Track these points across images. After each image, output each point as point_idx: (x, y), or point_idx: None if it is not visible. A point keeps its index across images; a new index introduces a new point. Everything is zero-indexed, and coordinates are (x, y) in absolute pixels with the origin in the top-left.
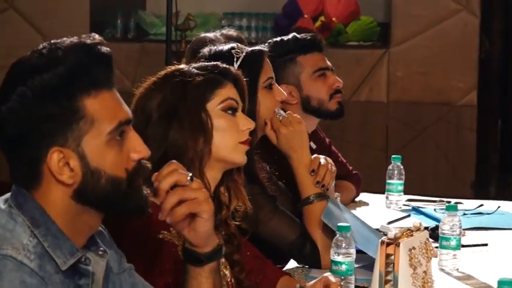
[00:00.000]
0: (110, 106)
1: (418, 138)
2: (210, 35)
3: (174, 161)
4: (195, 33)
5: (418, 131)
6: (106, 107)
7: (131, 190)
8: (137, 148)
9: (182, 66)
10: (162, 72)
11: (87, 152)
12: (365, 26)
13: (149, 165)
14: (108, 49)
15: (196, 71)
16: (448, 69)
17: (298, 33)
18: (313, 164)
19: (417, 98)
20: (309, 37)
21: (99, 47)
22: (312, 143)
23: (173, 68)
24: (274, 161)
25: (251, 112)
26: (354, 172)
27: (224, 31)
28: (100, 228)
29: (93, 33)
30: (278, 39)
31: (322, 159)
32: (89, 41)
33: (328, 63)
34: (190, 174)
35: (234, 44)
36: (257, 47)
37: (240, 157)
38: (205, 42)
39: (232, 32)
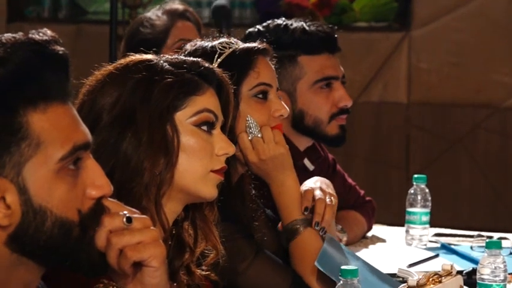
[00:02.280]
0: (63, 125)
1: (449, 152)
2: (149, 13)
3: (108, 199)
4: (141, 11)
5: (449, 143)
6: (58, 125)
7: (85, 239)
8: (96, 182)
9: (151, 57)
10: (123, 62)
11: (30, 184)
12: (378, 1)
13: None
14: (63, 49)
15: (168, 66)
16: (488, 59)
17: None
18: (305, 200)
19: (447, 98)
20: (321, 32)
21: (52, 46)
22: (307, 162)
23: (138, 58)
24: (262, 184)
25: (231, 130)
26: (366, 199)
27: (168, 5)
28: (39, 286)
29: (45, 29)
30: (279, 23)
31: (318, 190)
32: (38, 38)
33: (340, 70)
34: (126, 213)
35: (226, 39)
36: (253, 43)
37: (209, 190)
38: (142, 24)
39: (176, 6)
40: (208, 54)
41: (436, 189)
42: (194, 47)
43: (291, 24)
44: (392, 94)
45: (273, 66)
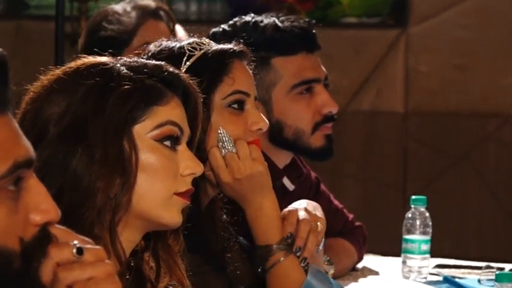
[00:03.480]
0: (1, 138)
1: (453, 169)
2: (117, 6)
3: (55, 225)
4: (101, 4)
5: (453, 158)
6: None
7: (28, 272)
8: (41, 206)
9: (106, 60)
10: (73, 65)
11: None
12: None
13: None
14: (0, 50)
15: (126, 71)
16: (497, 60)
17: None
18: (288, 223)
19: (451, 106)
20: (296, 28)
21: None
22: (286, 182)
23: (91, 60)
24: (235, 208)
25: (199, 144)
26: (355, 224)
27: (139, 0)
28: None
29: None
30: (248, 20)
31: (302, 211)
32: None
33: (321, 71)
34: (77, 243)
35: (197, 39)
36: (228, 45)
37: (172, 216)
38: (106, 17)
39: (149, 2)
40: (175, 56)
41: (437, 213)
42: (159, 48)
43: (261, 21)
44: (387, 102)
45: (250, 72)
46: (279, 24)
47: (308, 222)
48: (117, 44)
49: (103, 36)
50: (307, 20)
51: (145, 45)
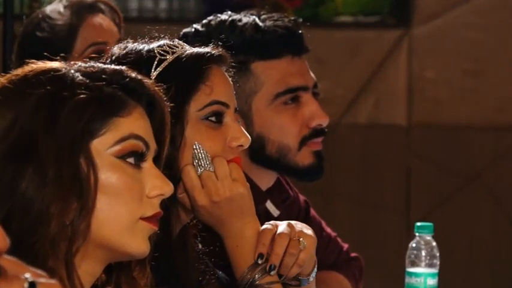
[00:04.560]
0: None
1: (464, 191)
2: (48, 8)
3: (4, 256)
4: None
5: (464, 179)
6: None
7: None
8: None
9: (58, 65)
10: (20, 73)
11: None
12: None
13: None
14: None
15: (81, 78)
16: None
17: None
18: (260, 244)
19: (461, 118)
20: (279, 27)
21: None
22: (270, 206)
23: (41, 66)
24: (212, 236)
25: (170, 162)
26: (351, 255)
27: None
28: None
29: None
30: (224, 19)
31: (282, 226)
32: None
33: (309, 77)
34: (29, 277)
35: (168, 41)
36: (204, 48)
37: (138, 245)
38: (38, 25)
39: None
40: (143, 61)
41: (446, 242)
42: (124, 51)
43: (240, 20)
44: (387, 113)
45: (230, 80)
46: (260, 23)
47: (286, 236)
48: (56, 53)
49: (37, 50)
50: (292, 18)
51: (93, 48)
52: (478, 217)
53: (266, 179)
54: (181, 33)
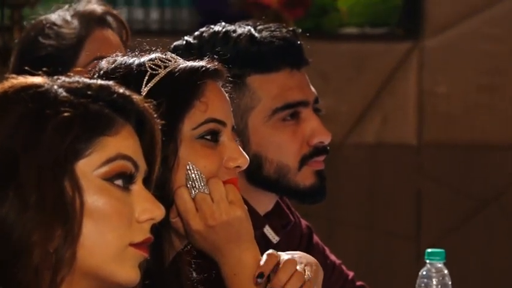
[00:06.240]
0: None
1: (480, 215)
2: (54, 16)
3: None
4: (38, 11)
5: (480, 202)
6: None
7: None
8: None
9: (40, 81)
10: (0, 89)
11: None
12: None
13: None
14: None
15: (65, 94)
16: None
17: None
18: (264, 264)
19: (476, 137)
20: (277, 39)
21: None
22: (269, 231)
23: (21, 82)
24: (207, 263)
25: (163, 184)
26: (356, 284)
27: (81, 6)
28: None
29: None
30: (217, 30)
31: (287, 256)
32: None
33: (310, 92)
34: None
35: (160, 54)
36: (199, 62)
37: (127, 273)
38: (42, 31)
39: (93, 6)
40: (133, 75)
41: (459, 270)
42: (113, 65)
43: (234, 31)
44: (396, 132)
45: (227, 96)
46: (256, 34)
47: (294, 263)
48: (59, 63)
49: (40, 56)
50: (291, 29)
51: (95, 62)
52: (494, 244)
53: (264, 202)
54: (172, 46)
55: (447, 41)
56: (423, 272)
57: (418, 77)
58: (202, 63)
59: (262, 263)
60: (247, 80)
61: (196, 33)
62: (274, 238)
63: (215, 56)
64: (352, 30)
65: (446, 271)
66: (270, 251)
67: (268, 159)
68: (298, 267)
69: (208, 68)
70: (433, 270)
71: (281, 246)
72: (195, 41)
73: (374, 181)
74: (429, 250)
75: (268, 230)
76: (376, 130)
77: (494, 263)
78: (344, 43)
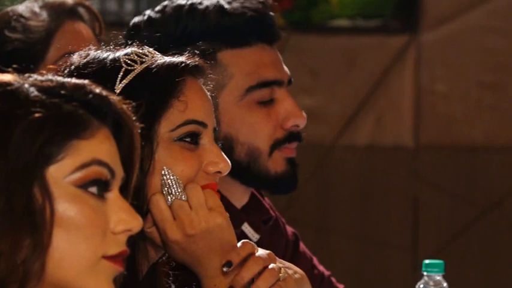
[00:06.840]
0: None
1: (480, 223)
2: (21, 7)
3: None
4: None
5: (480, 209)
6: None
7: None
8: None
9: (9, 78)
10: None
11: None
12: None
13: None
14: None
15: (36, 93)
16: None
17: None
18: (233, 252)
19: (477, 139)
20: (249, 10)
21: None
22: (247, 229)
23: None
24: (186, 275)
25: (136, 191)
26: None
27: None
28: None
29: None
30: (181, 3)
31: (262, 251)
32: None
33: (284, 71)
34: None
35: (136, 48)
36: (178, 57)
37: (100, 287)
38: (8, 24)
39: None
40: (107, 71)
41: (458, 283)
42: (85, 60)
43: (200, 3)
44: (391, 133)
45: (208, 95)
46: (225, 5)
47: (262, 260)
48: (28, 58)
49: (6, 51)
50: (261, 0)
51: (66, 57)
52: (496, 254)
53: (238, 194)
54: (131, 24)
55: (446, 35)
56: (420, 285)
57: (414, 74)
58: (181, 58)
59: (233, 251)
60: (217, 56)
61: (159, 7)
62: (253, 236)
63: (178, 31)
64: (343, 23)
65: (445, 284)
66: (246, 240)
67: (240, 142)
68: (272, 265)
69: (188, 63)
70: (431, 283)
71: (263, 246)
72: (157, 16)
73: (367, 187)
74: (427, 261)
75: (247, 228)
76: (369, 132)
77: (497, 275)
78: (334, 37)
